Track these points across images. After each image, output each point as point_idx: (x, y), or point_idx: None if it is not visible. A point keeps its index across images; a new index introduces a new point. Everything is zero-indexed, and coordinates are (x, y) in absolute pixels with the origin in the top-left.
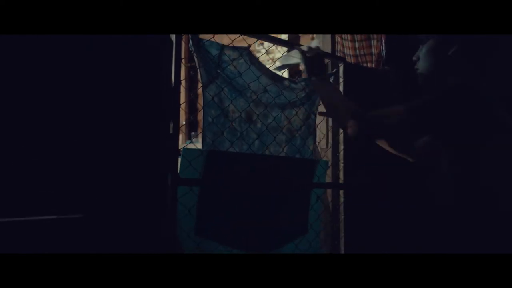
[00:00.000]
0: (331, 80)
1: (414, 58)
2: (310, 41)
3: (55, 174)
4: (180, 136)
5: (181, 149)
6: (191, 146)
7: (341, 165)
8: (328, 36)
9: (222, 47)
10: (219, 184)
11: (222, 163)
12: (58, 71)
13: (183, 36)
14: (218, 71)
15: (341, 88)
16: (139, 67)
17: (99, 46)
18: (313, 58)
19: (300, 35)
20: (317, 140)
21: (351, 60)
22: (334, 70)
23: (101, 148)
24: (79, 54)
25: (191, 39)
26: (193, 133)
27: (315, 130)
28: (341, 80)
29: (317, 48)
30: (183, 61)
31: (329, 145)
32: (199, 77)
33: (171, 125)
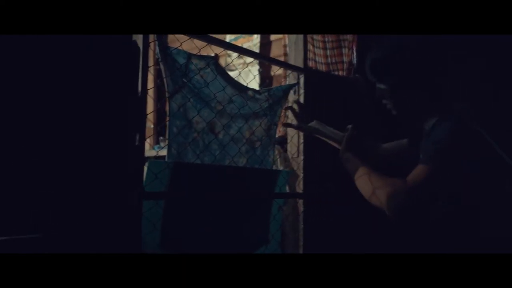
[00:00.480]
0: (292, 91)
1: (377, 94)
2: (282, 48)
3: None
4: (148, 140)
5: (147, 162)
6: (157, 152)
7: (301, 174)
8: (301, 44)
9: (189, 55)
10: (184, 196)
11: (188, 175)
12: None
13: (150, 44)
14: (185, 80)
15: (301, 99)
16: (102, 75)
17: (59, 47)
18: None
19: (272, 40)
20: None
21: (322, 68)
22: (296, 82)
23: (59, 161)
24: (28, 56)
25: (158, 46)
26: (161, 138)
27: (276, 140)
28: (301, 91)
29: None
30: (150, 69)
31: (299, 153)
32: (165, 86)
33: (137, 137)
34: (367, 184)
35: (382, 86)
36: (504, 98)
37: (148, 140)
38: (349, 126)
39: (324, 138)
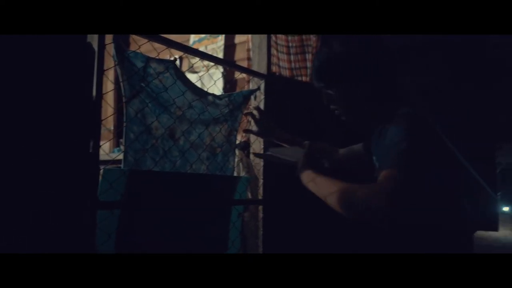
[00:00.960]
0: (252, 97)
1: (325, 100)
2: (246, 52)
3: None
4: (108, 144)
5: (102, 170)
6: (113, 158)
7: (261, 181)
8: (264, 48)
9: (148, 59)
10: (141, 205)
11: (145, 184)
12: None
13: (107, 45)
14: (143, 84)
15: (261, 105)
16: (53, 78)
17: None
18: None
19: (236, 43)
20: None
21: (286, 73)
22: (256, 87)
23: (3, 169)
24: None
25: (114, 49)
26: (121, 140)
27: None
28: (262, 97)
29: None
30: (111, 71)
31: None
32: (122, 90)
33: (91, 143)
34: (335, 194)
35: (329, 91)
36: (457, 99)
37: (108, 143)
38: (306, 143)
39: (282, 143)
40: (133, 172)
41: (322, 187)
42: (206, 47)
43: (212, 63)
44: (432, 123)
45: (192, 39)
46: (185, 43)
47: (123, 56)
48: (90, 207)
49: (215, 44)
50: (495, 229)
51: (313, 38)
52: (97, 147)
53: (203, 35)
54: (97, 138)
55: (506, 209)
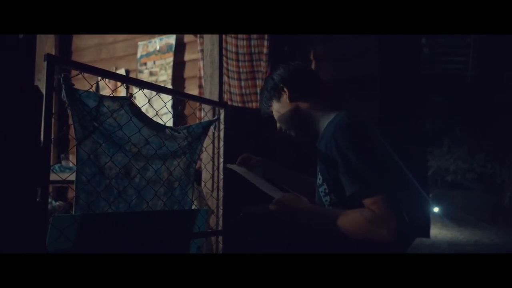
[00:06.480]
0: (212, 128)
1: (278, 129)
2: (197, 71)
3: None
4: None
5: (51, 218)
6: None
7: (220, 211)
8: (216, 78)
9: (101, 97)
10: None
11: (97, 228)
12: None
13: (55, 85)
14: (96, 124)
15: (222, 134)
16: None
17: None
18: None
19: (186, 60)
20: (203, 183)
21: (237, 98)
22: (216, 117)
23: None
24: None
25: (65, 90)
26: (62, 155)
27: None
28: (222, 126)
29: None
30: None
31: (219, 190)
32: (72, 133)
33: (39, 192)
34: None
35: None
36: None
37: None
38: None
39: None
40: (85, 217)
41: (328, 218)
42: (154, 62)
43: (160, 79)
44: (369, 124)
45: (140, 53)
46: (132, 56)
47: (74, 96)
48: None
49: (163, 60)
50: (427, 234)
51: (263, 64)
52: (46, 195)
53: (151, 50)
54: (45, 186)
55: (436, 209)
